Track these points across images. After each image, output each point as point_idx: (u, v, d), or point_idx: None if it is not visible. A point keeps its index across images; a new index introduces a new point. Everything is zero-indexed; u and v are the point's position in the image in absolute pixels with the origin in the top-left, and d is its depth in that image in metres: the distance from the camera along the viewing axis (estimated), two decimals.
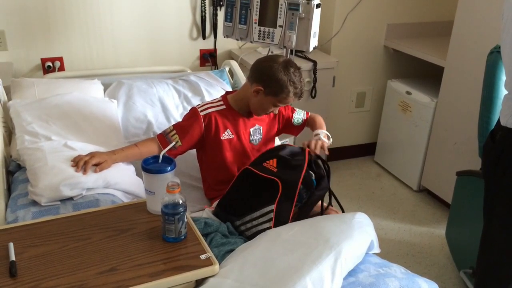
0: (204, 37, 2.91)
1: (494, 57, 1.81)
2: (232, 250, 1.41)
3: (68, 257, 1.24)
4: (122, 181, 1.68)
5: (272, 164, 1.63)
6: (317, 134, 1.85)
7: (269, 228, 1.51)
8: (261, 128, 1.92)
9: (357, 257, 1.36)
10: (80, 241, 1.31)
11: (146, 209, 1.47)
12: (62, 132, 1.79)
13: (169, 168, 1.42)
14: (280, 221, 1.53)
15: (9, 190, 1.69)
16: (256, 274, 1.23)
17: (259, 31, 2.27)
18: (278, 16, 2.21)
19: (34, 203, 1.53)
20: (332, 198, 1.73)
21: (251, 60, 1.85)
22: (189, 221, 1.40)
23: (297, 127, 2.00)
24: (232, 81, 2.56)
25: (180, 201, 1.28)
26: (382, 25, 3.12)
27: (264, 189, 1.58)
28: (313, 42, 2.25)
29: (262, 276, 1.23)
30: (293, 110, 1.99)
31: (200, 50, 2.94)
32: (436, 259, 2.47)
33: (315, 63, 2.79)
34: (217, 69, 2.82)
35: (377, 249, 1.48)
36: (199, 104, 1.86)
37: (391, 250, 2.52)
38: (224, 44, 2.96)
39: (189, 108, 1.94)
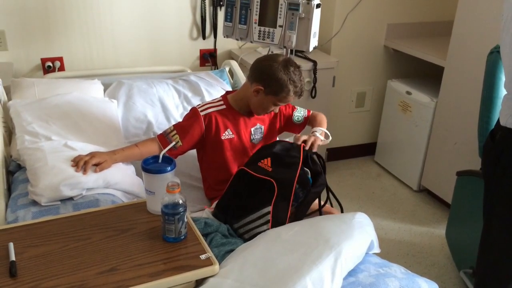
0: (204, 37, 2.91)
1: (494, 57, 1.81)
2: (232, 250, 1.41)
3: (68, 257, 1.24)
4: (122, 181, 1.68)
5: (266, 163, 1.62)
6: (314, 131, 1.84)
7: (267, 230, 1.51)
8: (263, 127, 1.92)
9: (357, 257, 1.36)
10: (80, 241, 1.31)
11: (146, 209, 1.47)
12: (62, 132, 1.79)
13: (169, 168, 1.42)
14: (277, 222, 1.53)
15: (9, 190, 1.69)
16: (256, 274, 1.23)
17: (259, 31, 2.27)
18: (278, 16, 2.21)
19: (34, 203, 1.53)
20: (331, 196, 1.72)
21: (251, 60, 1.85)
22: (189, 221, 1.40)
23: (298, 125, 1.99)
24: (232, 81, 2.56)
25: (180, 201, 1.28)
26: (382, 25, 3.12)
27: (260, 189, 1.58)
28: (313, 42, 2.25)
29: (262, 276, 1.23)
30: (293, 108, 1.98)
31: (200, 50, 2.94)
32: (436, 259, 2.47)
33: (315, 63, 2.79)
34: (217, 69, 2.83)
35: (377, 249, 1.48)
36: (199, 104, 1.86)
37: (391, 250, 2.52)
38: (224, 44, 2.96)
39: (189, 108, 1.94)
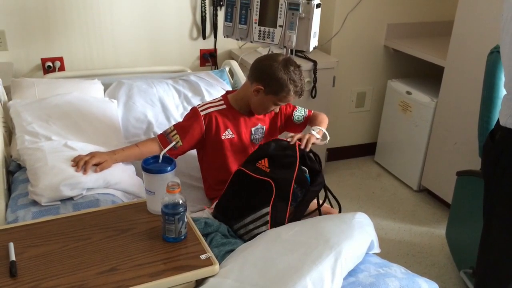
0: (204, 37, 2.91)
1: (494, 57, 1.81)
2: (232, 250, 1.41)
3: (68, 257, 1.24)
4: (122, 181, 1.68)
5: (264, 164, 1.62)
6: (311, 130, 1.81)
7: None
8: (264, 127, 1.92)
9: (357, 257, 1.36)
10: (80, 241, 1.31)
11: (146, 209, 1.47)
12: (62, 132, 1.79)
13: (169, 168, 1.42)
14: (276, 222, 1.53)
15: (9, 190, 1.69)
16: (256, 274, 1.23)
17: (259, 31, 2.27)
18: (278, 16, 2.21)
19: (34, 203, 1.53)
20: (330, 196, 1.72)
21: (251, 60, 1.84)
22: (189, 221, 1.40)
23: (298, 125, 1.98)
24: (232, 81, 2.56)
25: (180, 201, 1.28)
26: (382, 25, 3.12)
27: (259, 190, 1.58)
28: (313, 42, 2.25)
29: (262, 276, 1.23)
30: (294, 108, 1.97)
31: (200, 50, 2.94)
32: (436, 259, 2.47)
33: (315, 63, 2.79)
34: (217, 69, 2.83)
35: (377, 249, 1.48)
36: (199, 104, 1.86)
37: (391, 250, 2.52)
38: (224, 44, 2.96)
39: (189, 108, 1.94)
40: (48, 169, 1.56)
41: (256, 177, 1.58)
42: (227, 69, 2.60)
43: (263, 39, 2.27)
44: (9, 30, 2.48)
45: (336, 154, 3.37)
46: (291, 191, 1.55)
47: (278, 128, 1.97)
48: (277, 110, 1.89)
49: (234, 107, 1.85)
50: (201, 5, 2.80)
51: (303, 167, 1.63)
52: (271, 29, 2.23)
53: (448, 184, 2.65)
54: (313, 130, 1.80)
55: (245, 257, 1.31)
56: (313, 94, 2.84)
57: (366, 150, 3.50)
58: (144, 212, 1.46)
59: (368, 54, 3.18)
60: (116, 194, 1.66)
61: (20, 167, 1.76)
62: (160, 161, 1.48)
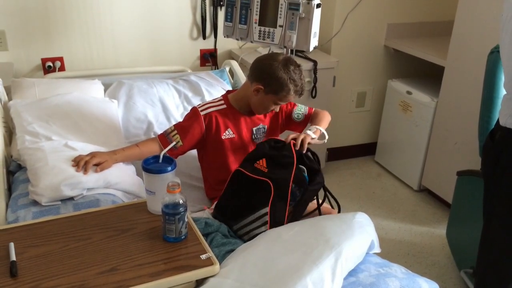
0: (204, 37, 2.91)
1: (494, 57, 1.81)
2: (232, 250, 1.41)
3: (68, 257, 1.24)
4: (123, 181, 1.68)
5: (262, 164, 1.61)
6: (307, 130, 1.77)
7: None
8: (265, 126, 1.91)
9: (357, 257, 1.35)
10: (80, 241, 1.31)
11: (147, 209, 1.47)
12: (62, 132, 1.80)
13: (169, 168, 1.42)
14: (276, 222, 1.53)
15: (9, 190, 1.69)
16: (257, 274, 1.23)
17: (260, 31, 2.27)
18: (279, 16, 2.21)
19: (35, 203, 1.53)
20: (329, 196, 1.72)
21: (252, 60, 1.84)
22: (189, 221, 1.40)
23: (298, 123, 1.95)
24: (232, 81, 2.56)
25: (181, 201, 1.28)
26: (382, 24, 3.12)
27: (257, 190, 1.57)
28: (314, 42, 2.25)
29: (263, 276, 1.23)
30: (294, 105, 1.95)
31: (201, 50, 2.94)
32: (436, 259, 2.47)
33: (315, 63, 2.79)
34: (218, 69, 2.83)
35: (377, 249, 1.48)
36: (199, 104, 1.86)
37: (391, 250, 2.52)
38: (225, 44, 2.96)
39: (189, 108, 1.94)
40: (48, 169, 1.57)
41: (254, 177, 1.58)
42: (227, 69, 2.60)
43: (263, 39, 2.28)
44: (9, 30, 2.48)
45: (336, 154, 3.37)
46: (290, 190, 1.55)
47: (279, 127, 1.96)
48: (277, 109, 1.89)
49: (235, 106, 1.85)
50: (201, 5, 2.80)
51: (301, 166, 1.62)
52: (271, 29, 2.23)
53: (448, 184, 2.65)
54: (309, 129, 1.76)
55: (245, 257, 1.31)
56: (313, 94, 2.84)
57: (367, 150, 3.50)
58: (145, 212, 1.46)
59: (368, 54, 3.18)
60: (117, 194, 1.66)
61: (20, 167, 1.76)
62: (160, 161, 1.48)
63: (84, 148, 1.72)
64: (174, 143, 1.73)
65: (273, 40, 2.26)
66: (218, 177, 1.86)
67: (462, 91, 2.56)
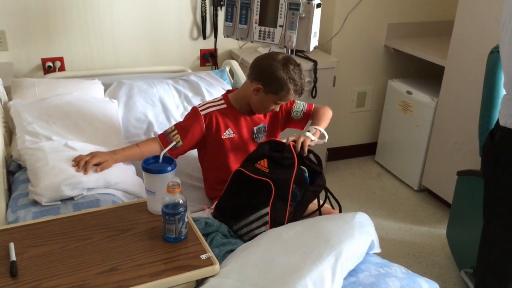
0: (204, 37, 2.91)
1: (494, 57, 1.81)
2: (232, 250, 1.41)
3: (68, 257, 1.24)
4: (123, 181, 1.68)
5: (263, 164, 1.61)
6: (306, 131, 1.75)
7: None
8: (266, 126, 1.91)
9: (357, 257, 1.35)
10: (80, 241, 1.31)
11: (147, 209, 1.47)
12: (62, 132, 1.80)
13: (169, 168, 1.41)
14: (276, 222, 1.53)
15: (9, 190, 1.69)
16: (257, 274, 1.23)
17: (260, 31, 2.27)
18: (279, 16, 2.21)
19: (35, 203, 1.53)
20: (330, 196, 1.71)
21: (252, 60, 1.84)
22: (189, 221, 1.40)
23: (298, 121, 1.93)
24: (232, 81, 2.56)
25: (181, 201, 1.28)
26: (382, 24, 3.12)
27: (258, 190, 1.57)
28: (314, 41, 2.25)
29: (263, 276, 1.23)
30: (293, 103, 1.93)
31: (201, 50, 2.94)
32: (436, 259, 2.47)
33: (315, 62, 2.79)
34: (218, 69, 2.82)
35: (377, 249, 1.48)
36: (200, 104, 1.86)
37: (391, 250, 2.52)
38: (225, 44, 2.96)
39: (189, 108, 1.94)
40: (48, 169, 1.57)
41: (255, 177, 1.58)
42: (227, 69, 2.60)
43: (264, 39, 2.28)
44: (9, 30, 2.48)
45: (337, 154, 3.37)
46: (290, 191, 1.55)
47: (279, 125, 1.96)
48: (277, 109, 1.88)
49: (235, 106, 1.85)
50: (201, 5, 2.80)
51: (302, 167, 1.62)
52: (272, 29, 2.24)
53: (448, 184, 2.65)
54: (308, 131, 1.75)
55: (245, 257, 1.31)
56: (314, 94, 2.84)
57: (367, 150, 3.50)
58: (145, 212, 1.46)
59: (369, 54, 3.18)
60: (117, 194, 1.66)
61: (20, 167, 1.76)
62: (160, 161, 1.48)
63: (84, 148, 1.72)
64: (174, 143, 1.73)
65: (273, 40, 2.26)
66: (218, 177, 1.86)
67: (462, 91, 2.56)
